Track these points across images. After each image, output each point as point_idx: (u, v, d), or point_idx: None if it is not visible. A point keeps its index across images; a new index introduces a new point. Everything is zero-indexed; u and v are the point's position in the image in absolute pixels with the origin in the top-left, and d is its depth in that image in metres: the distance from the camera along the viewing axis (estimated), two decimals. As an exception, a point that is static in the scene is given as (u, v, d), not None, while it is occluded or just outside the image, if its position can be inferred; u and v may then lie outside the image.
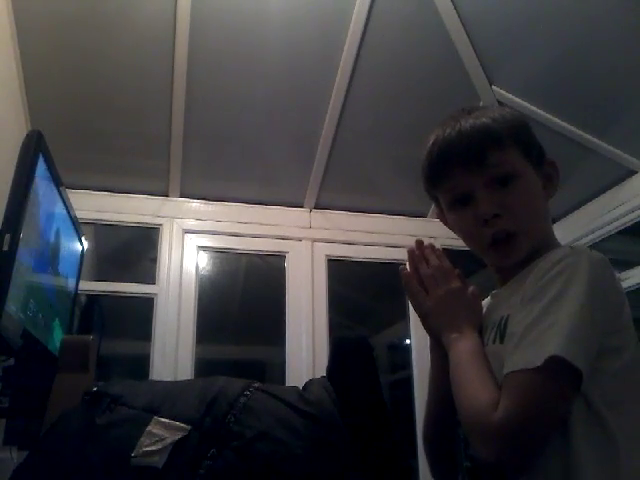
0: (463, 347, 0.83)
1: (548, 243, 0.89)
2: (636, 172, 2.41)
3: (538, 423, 0.70)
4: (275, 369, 2.80)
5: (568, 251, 0.79)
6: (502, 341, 0.81)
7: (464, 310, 0.88)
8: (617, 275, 0.82)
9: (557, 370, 0.69)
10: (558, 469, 0.72)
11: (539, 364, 0.69)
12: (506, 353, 0.76)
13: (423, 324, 0.92)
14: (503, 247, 0.86)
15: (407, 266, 0.95)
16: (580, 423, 0.72)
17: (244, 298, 2.97)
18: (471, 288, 0.91)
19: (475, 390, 0.76)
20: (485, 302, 0.97)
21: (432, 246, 0.95)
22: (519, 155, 0.87)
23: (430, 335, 0.92)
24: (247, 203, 2.83)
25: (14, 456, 1.39)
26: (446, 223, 0.96)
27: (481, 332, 0.88)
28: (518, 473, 0.73)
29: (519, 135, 0.88)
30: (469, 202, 0.87)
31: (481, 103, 2.44)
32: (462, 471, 0.87)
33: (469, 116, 0.89)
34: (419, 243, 0.95)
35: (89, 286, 2.48)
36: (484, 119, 0.88)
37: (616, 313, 0.77)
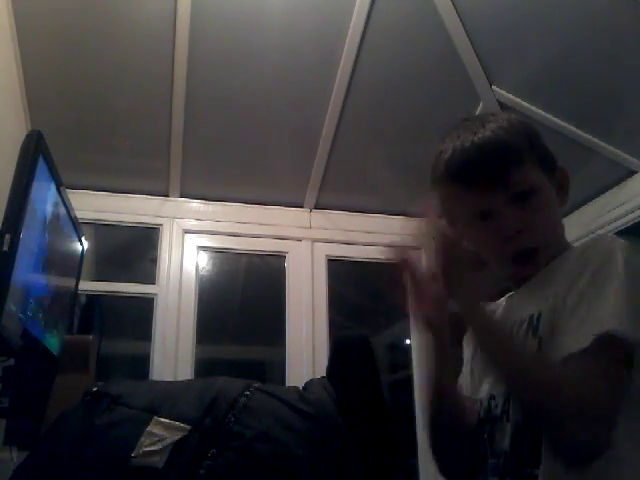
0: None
1: (561, 243, 0.91)
2: (636, 172, 2.41)
3: (618, 400, 0.70)
4: (275, 369, 2.80)
5: (596, 238, 0.82)
6: (535, 335, 0.81)
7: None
8: None
9: (608, 346, 0.69)
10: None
11: (587, 345, 0.69)
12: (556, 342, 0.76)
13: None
14: (524, 261, 0.87)
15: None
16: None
17: (244, 298, 2.96)
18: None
19: (557, 376, 0.73)
20: (499, 303, 0.98)
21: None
22: (537, 168, 0.88)
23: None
24: (247, 203, 2.83)
25: (14, 456, 1.39)
26: (449, 222, 0.95)
27: None
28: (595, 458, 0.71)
29: (535, 148, 0.89)
30: (489, 217, 0.87)
31: (481, 103, 2.44)
32: (485, 469, 0.86)
33: (484, 128, 0.89)
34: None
35: (89, 286, 2.48)
36: (501, 133, 0.88)
37: None
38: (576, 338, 0.72)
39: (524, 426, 0.80)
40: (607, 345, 0.69)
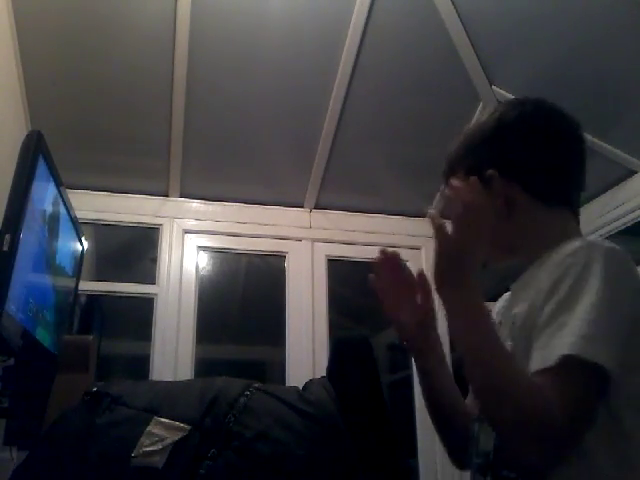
0: (487, 318, 0.77)
1: (534, 240, 0.88)
2: (636, 172, 2.41)
3: (576, 424, 0.68)
4: (275, 369, 2.80)
5: (580, 244, 0.77)
6: (511, 338, 0.82)
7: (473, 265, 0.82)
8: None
9: (575, 369, 0.67)
10: (576, 471, 0.71)
11: (553, 364, 0.68)
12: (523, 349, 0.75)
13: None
14: None
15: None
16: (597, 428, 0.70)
17: (244, 298, 2.96)
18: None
19: (521, 387, 0.70)
20: (506, 296, 0.98)
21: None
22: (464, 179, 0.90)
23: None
24: (247, 203, 2.83)
25: (14, 456, 1.39)
26: None
27: None
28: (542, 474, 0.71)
29: (468, 156, 0.95)
30: None
31: (481, 103, 2.44)
32: (473, 468, 0.86)
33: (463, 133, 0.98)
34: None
35: (89, 286, 2.48)
36: (461, 139, 0.98)
37: (636, 311, 0.73)
38: (542, 355, 0.70)
39: None
40: (570, 367, 0.67)
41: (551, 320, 0.72)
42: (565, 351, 0.67)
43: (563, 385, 0.67)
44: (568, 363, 0.67)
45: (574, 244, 0.78)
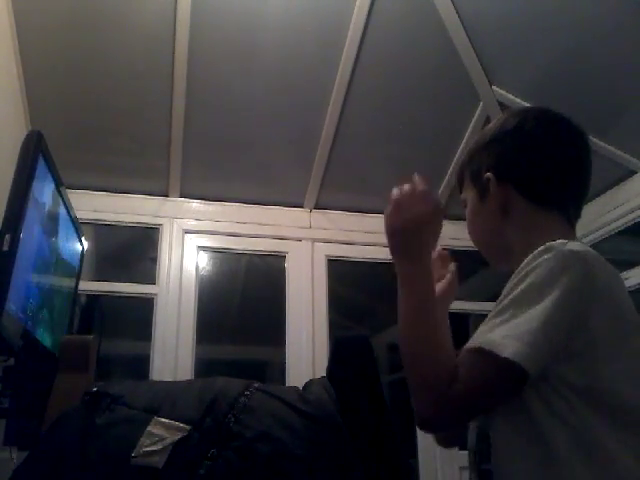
0: (427, 285, 0.85)
1: (525, 246, 0.87)
2: (636, 172, 2.41)
3: (480, 404, 0.77)
4: (275, 369, 2.80)
5: (541, 248, 0.78)
6: None
7: (427, 240, 0.89)
8: (602, 273, 0.79)
9: (496, 363, 0.72)
10: (536, 457, 0.74)
11: (474, 346, 0.75)
12: None
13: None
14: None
15: None
16: (543, 404, 0.74)
17: (244, 298, 2.96)
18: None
19: (437, 351, 0.79)
20: None
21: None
22: (470, 184, 0.97)
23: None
24: (247, 203, 2.83)
25: (14, 456, 1.39)
26: None
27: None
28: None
29: (471, 164, 0.98)
30: None
31: (481, 103, 2.44)
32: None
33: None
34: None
35: (89, 286, 2.48)
36: (461, 163, 1.01)
37: (577, 314, 0.75)
38: (472, 338, 0.78)
39: (482, 424, 0.83)
40: (479, 355, 0.74)
41: (494, 310, 0.78)
42: (486, 344, 0.74)
43: (476, 370, 0.75)
44: (486, 353, 0.73)
45: (536, 252, 0.79)
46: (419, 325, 0.82)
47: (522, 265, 0.78)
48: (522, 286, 0.76)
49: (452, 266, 1.05)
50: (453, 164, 2.67)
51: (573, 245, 0.78)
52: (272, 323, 2.81)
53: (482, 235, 0.97)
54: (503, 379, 0.74)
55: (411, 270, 0.86)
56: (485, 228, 0.96)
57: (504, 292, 0.79)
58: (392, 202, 0.88)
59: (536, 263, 0.76)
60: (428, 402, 0.78)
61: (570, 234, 0.90)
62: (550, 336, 0.73)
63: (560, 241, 0.79)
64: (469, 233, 0.99)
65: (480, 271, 2.85)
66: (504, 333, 0.73)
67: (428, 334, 0.81)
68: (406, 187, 0.90)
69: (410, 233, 0.87)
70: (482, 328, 0.78)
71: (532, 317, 0.73)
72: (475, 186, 0.95)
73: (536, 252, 0.78)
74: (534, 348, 0.72)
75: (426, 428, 0.82)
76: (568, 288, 0.74)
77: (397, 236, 0.87)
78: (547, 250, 0.77)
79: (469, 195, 0.97)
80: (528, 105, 2.32)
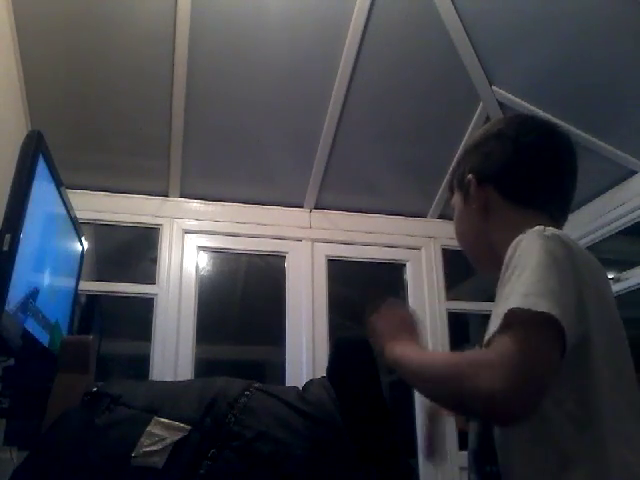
0: (410, 350, 0.85)
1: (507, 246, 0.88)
2: (636, 172, 2.41)
3: (536, 367, 0.67)
4: (275, 369, 2.79)
5: (520, 236, 0.79)
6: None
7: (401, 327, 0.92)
8: (582, 258, 0.79)
9: (531, 322, 0.67)
10: (550, 457, 0.73)
11: (502, 322, 0.69)
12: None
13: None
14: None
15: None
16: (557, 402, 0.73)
17: (244, 298, 2.96)
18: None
19: (458, 362, 0.74)
20: None
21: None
22: (457, 189, 1.02)
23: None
24: (247, 203, 2.83)
25: (14, 456, 1.39)
26: None
27: None
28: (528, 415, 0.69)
29: (458, 169, 1.03)
30: None
31: (481, 103, 2.44)
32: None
33: None
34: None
35: (89, 286, 2.48)
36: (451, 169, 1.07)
37: (577, 284, 0.74)
38: (495, 323, 0.71)
39: (483, 424, 0.83)
40: (512, 320, 0.68)
41: (499, 302, 0.74)
42: (509, 306, 0.69)
43: (508, 337, 0.67)
44: (510, 318, 0.68)
45: (515, 241, 0.79)
46: (427, 373, 0.79)
47: (505, 260, 0.78)
48: (514, 273, 0.74)
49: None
50: (453, 164, 2.67)
51: (552, 230, 0.79)
52: (272, 323, 2.81)
53: (467, 237, 1.01)
54: (545, 337, 0.67)
55: (398, 351, 0.86)
56: (469, 229, 1.00)
57: (500, 285, 0.78)
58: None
59: (517, 253, 0.76)
60: (492, 400, 0.66)
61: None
62: (567, 290, 0.71)
63: (537, 227, 0.79)
64: (456, 236, 1.03)
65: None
66: (521, 291, 0.69)
67: (435, 368, 0.79)
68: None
69: (387, 339, 0.90)
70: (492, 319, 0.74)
71: (543, 278, 0.70)
72: (460, 190, 1.00)
73: (517, 240, 0.79)
74: (560, 298, 0.69)
75: (516, 417, 0.68)
76: (553, 258, 0.73)
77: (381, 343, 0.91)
78: (528, 235, 0.78)
79: (456, 199, 1.02)
80: (528, 105, 2.32)
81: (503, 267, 0.79)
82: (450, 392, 0.73)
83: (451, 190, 1.06)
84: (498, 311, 0.71)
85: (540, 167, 0.94)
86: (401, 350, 0.85)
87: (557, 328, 0.67)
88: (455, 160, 1.06)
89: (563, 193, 0.96)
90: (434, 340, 2.75)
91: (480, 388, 0.66)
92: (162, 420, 0.83)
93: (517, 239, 0.79)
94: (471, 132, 2.52)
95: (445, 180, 2.77)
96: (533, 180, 0.94)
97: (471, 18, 2.15)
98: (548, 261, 0.72)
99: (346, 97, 2.42)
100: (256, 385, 0.91)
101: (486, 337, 0.73)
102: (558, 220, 0.94)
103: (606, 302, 0.81)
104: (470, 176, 0.97)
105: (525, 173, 0.94)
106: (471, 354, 0.75)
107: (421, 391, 0.81)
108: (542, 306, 0.67)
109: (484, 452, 0.82)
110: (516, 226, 0.88)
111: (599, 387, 0.75)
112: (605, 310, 0.80)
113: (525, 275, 0.72)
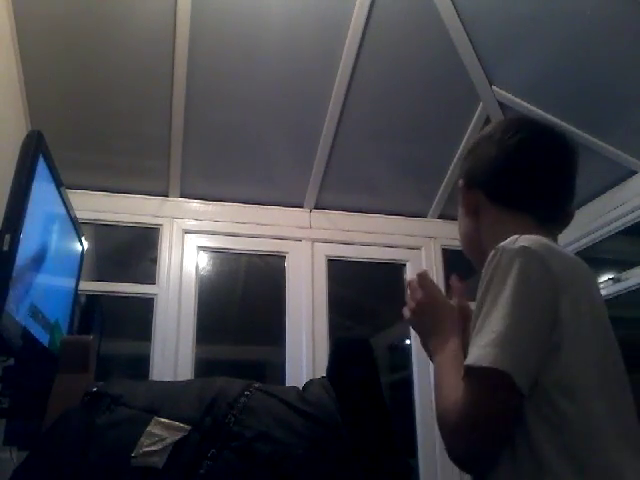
0: (448, 351, 0.88)
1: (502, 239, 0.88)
2: (636, 172, 2.41)
3: (483, 424, 0.75)
4: (275, 369, 2.79)
5: (492, 252, 0.81)
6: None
7: (444, 316, 0.94)
8: (559, 263, 0.80)
9: (480, 376, 0.74)
10: (521, 460, 0.74)
11: (462, 374, 0.76)
12: None
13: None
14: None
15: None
16: (534, 410, 0.74)
17: (244, 298, 2.96)
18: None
19: (448, 391, 0.80)
20: None
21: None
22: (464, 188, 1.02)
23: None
24: (247, 203, 2.83)
25: (14, 456, 1.39)
26: None
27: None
28: (474, 466, 0.79)
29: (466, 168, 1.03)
30: None
31: (481, 103, 2.44)
32: None
33: None
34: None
35: (89, 286, 2.48)
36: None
37: (549, 308, 0.76)
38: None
39: None
40: (470, 375, 0.75)
41: (474, 334, 0.78)
42: (467, 361, 0.75)
43: (466, 390, 0.75)
44: (470, 372, 0.75)
45: (491, 252, 0.81)
46: (437, 384, 0.85)
47: (482, 274, 0.81)
48: (488, 297, 0.78)
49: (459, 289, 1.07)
50: (453, 164, 2.67)
51: (523, 240, 0.80)
52: (272, 323, 2.81)
53: (463, 239, 1.03)
54: (492, 389, 0.74)
55: (433, 346, 0.92)
56: (464, 232, 1.02)
57: (476, 305, 0.81)
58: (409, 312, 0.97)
59: (491, 272, 0.79)
60: (446, 436, 0.77)
61: (540, 233, 0.89)
62: (524, 334, 0.74)
63: (509, 239, 0.81)
64: (460, 240, 1.06)
65: (480, 271, 2.85)
66: (481, 343, 0.75)
67: (440, 384, 0.84)
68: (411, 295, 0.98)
69: (420, 322, 0.96)
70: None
71: (501, 320, 0.74)
72: (459, 195, 1.03)
73: (489, 258, 0.81)
74: (511, 350, 0.73)
75: (461, 466, 0.80)
76: (526, 282, 0.76)
77: (416, 329, 0.97)
78: (496, 253, 0.80)
79: (461, 199, 1.03)
80: (528, 105, 2.32)
81: (481, 276, 0.82)
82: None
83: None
84: (468, 352, 0.77)
85: (524, 168, 0.94)
86: (436, 349, 0.90)
87: (509, 381, 0.72)
88: (469, 151, 1.06)
89: (552, 194, 0.95)
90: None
91: (442, 430, 0.77)
92: (162, 420, 0.83)
93: (492, 253, 0.81)
94: (471, 132, 2.52)
95: (445, 181, 2.77)
96: (517, 182, 0.94)
97: (471, 18, 2.15)
98: (517, 293, 0.75)
99: (346, 97, 2.42)
100: (256, 385, 0.91)
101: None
102: (547, 221, 0.93)
103: (594, 306, 0.82)
104: (460, 181, 1.01)
105: (509, 175, 0.94)
106: (450, 394, 0.79)
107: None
108: (495, 361, 0.72)
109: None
110: (503, 227, 0.91)
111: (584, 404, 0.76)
112: (594, 314, 0.81)
113: (493, 316, 0.76)
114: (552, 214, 0.94)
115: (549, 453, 0.72)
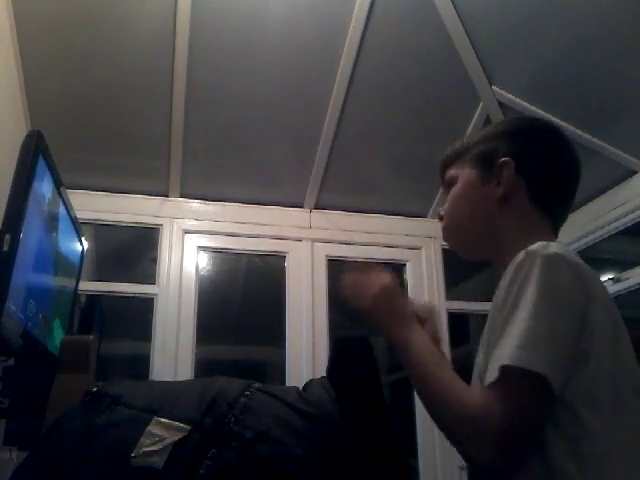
0: (422, 344, 0.86)
1: (515, 242, 0.88)
2: (636, 172, 2.41)
3: (526, 428, 0.71)
4: (275, 369, 2.79)
5: (522, 255, 0.79)
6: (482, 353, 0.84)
7: (404, 304, 0.92)
8: (589, 273, 0.80)
9: (519, 378, 0.70)
10: (536, 470, 0.73)
11: (496, 377, 0.71)
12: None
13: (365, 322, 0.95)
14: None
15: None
16: (554, 421, 0.73)
17: (244, 298, 2.96)
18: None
19: (459, 395, 0.76)
20: None
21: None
22: (468, 165, 0.98)
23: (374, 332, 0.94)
24: (247, 203, 2.84)
25: (14, 457, 1.39)
26: None
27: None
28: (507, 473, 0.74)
29: (475, 147, 0.99)
30: None
31: (481, 103, 2.44)
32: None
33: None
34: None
35: (89, 286, 2.48)
36: (458, 144, 1.04)
37: (579, 313, 0.75)
38: (490, 372, 0.74)
39: None
40: (509, 377, 0.71)
41: (498, 334, 0.76)
42: (503, 362, 0.71)
43: (504, 395, 0.71)
44: (506, 374, 0.71)
45: (519, 255, 0.80)
46: (427, 377, 0.81)
47: (506, 277, 0.79)
48: (521, 299, 0.75)
49: (429, 308, 1.02)
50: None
51: (554, 247, 0.79)
52: (272, 323, 2.81)
53: (467, 216, 0.97)
54: (532, 392, 0.71)
55: (400, 334, 0.89)
56: (475, 210, 0.96)
57: (496, 303, 0.79)
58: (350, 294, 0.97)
59: (523, 274, 0.76)
60: (470, 440, 0.73)
61: (553, 238, 0.93)
62: (559, 337, 0.73)
63: (540, 244, 0.79)
64: (448, 213, 0.99)
65: (480, 271, 2.85)
66: (515, 344, 0.71)
67: (437, 380, 0.80)
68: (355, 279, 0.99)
69: (380, 309, 0.93)
70: (492, 355, 0.75)
71: (535, 322, 0.72)
72: (479, 166, 0.96)
73: (518, 260, 0.78)
74: (551, 353, 0.71)
75: (497, 469, 0.73)
76: (559, 287, 0.75)
77: (373, 315, 0.94)
78: (526, 257, 0.78)
79: (463, 173, 0.98)
80: (528, 105, 2.32)
81: (503, 281, 0.80)
82: (440, 418, 0.78)
83: (449, 162, 1.03)
84: (497, 353, 0.73)
85: (566, 180, 0.96)
86: (408, 339, 0.87)
87: (547, 383, 0.70)
88: (478, 136, 1.01)
89: (572, 200, 0.97)
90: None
91: (470, 437, 0.72)
92: (162, 420, 0.83)
93: (520, 257, 0.78)
94: (471, 132, 2.52)
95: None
96: (558, 191, 0.95)
97: (471, 18, 2.15)
98: (546, 296, 0.74)
99: (346, 98, 2.42)
100: (256, 385, 0.91)
101: (486, 380, 0.74)
102: (559, 225, 0.95)
103: (620, 318, 0.81)
104: (508, 159, 0.93)
105: (556, 183, 0.94)
106: (470, 400, 0.75)
107: (418, 393, 0.83)
108: (534, 364, 0.70)
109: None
110: (529, 225, 0.91)
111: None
112: (621, 325, 0.81)
113: (522, 316, 0.73)
114: (563, 219, 0.97)
115: (564, 465, 0.71)
